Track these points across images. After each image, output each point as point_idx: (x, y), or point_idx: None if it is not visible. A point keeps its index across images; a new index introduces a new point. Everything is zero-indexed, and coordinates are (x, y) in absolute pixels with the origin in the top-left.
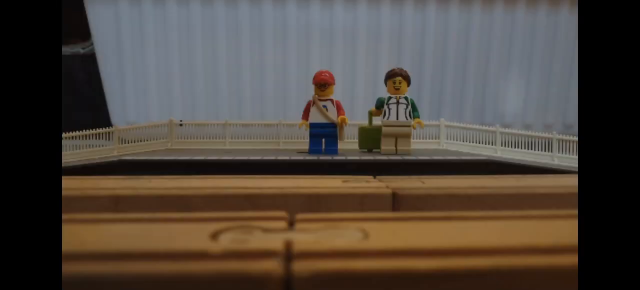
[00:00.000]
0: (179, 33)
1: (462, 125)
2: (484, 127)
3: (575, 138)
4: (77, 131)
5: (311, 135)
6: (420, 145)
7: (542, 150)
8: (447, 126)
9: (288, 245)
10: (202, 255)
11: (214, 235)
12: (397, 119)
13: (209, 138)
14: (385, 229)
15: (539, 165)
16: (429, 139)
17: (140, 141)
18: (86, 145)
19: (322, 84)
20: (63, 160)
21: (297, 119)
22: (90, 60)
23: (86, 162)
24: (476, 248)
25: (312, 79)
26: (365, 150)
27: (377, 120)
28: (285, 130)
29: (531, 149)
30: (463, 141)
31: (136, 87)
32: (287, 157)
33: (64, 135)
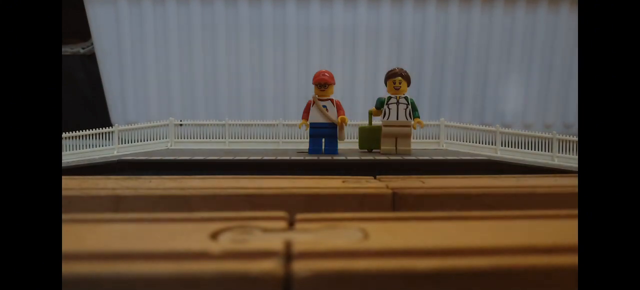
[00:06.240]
0: (179, 33)
1: (462, 125)
2: (484, 127)
3: (575, 138)
4: (77, 131)
5: (311, 135)
6: (420, 145)
7: (542, 150)
8: (447, 126)
9: (288, 245)
10: (202, 255)
11: (214, 235)
12: (397, 119)
13: (209, 138)
14: (385, 229)
15: (539, 165)
16: (429, 139)
17: (140, 141)
18: (86, 145)
19: (322, 84)
20: (63, 160)
21: (297, 119)
22: (90, 60)
23: (86, 162)
24: (476, 248)
25: (312, 79)
26: (365, 150)
27: (377, 120)
28: (285, 130)
29: (531, 149)
30: (463, 141)
31: (136, 87)
32: (287, 157)
33: (64, 135)
